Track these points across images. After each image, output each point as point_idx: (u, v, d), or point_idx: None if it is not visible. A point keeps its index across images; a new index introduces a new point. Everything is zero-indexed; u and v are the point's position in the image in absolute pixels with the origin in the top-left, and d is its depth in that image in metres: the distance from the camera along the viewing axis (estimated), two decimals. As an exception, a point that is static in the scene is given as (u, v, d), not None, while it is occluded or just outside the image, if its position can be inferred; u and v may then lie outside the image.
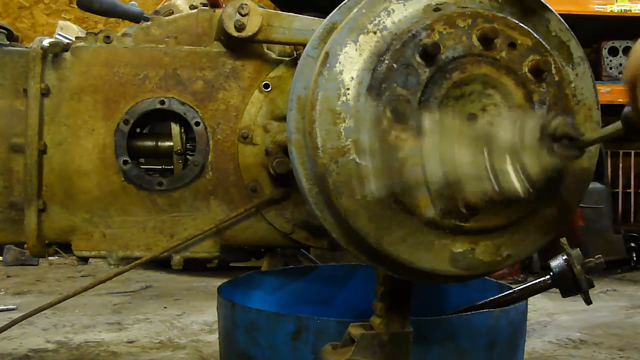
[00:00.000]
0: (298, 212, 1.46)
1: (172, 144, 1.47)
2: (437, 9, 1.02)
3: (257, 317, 1.55)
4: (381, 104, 0.97)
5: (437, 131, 0.97)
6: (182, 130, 1.48)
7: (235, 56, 1.47)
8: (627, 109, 0.89)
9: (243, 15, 1.40)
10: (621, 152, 4.84)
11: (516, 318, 1.60)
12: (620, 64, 4.25)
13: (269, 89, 1.47)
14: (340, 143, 0.99)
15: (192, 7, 1.91)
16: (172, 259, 1.46)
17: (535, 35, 1.03)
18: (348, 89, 0.99)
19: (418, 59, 0.98)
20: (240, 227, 1.47)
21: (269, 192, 1.46)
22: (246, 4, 1.40)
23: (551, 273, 1.69)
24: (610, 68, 4.27)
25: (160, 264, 3.78)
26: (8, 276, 3.81)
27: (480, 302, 1.74)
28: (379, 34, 1.00)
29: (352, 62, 1.00)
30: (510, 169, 0.95)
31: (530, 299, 1.75)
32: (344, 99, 0.99)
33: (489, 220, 1.02)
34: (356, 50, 1.00)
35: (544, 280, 1.72)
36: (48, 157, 1.44)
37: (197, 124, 1.44)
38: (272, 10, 1.44)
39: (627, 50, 4.27)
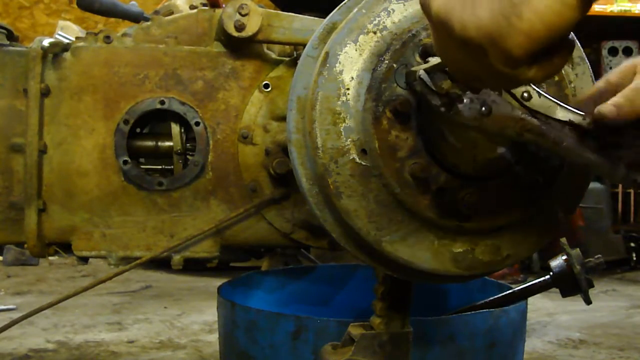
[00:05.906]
0: (298, 212, 1.46)
1: (172, 144, 1.47)
2: None
3: (257, 317, 1.55)
4: (381, 104, 0.97)
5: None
6: (182, 130, 1.48)
7: (235, 56, 1.47)
8: None
9: (243, 15, 1.40)
10: (621, 152, 4.83)
11: (516, 318, 1.60)
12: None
13: (269, 89, 1.47)
14: (340, 143, 0.99)
15: (192, 7, 1.91)
16: (172, 259, 1.46)
17: (535, 35, 1.03)
18: (348, 89, 0.99)
19: (418, 59, 0.98)
20: (240, 227, 1.47)
21: (269, 192, 1.46)
22: (246, 4, 1.40)
23: (551, 273, 1.69)
24: (610, 68, 4.26)
25: (160, 264, 3.77)
26: (8, 276, 3.81)
27: (480, 302, 1.74)
28: (378, 34, 1.00)
29: (352, 62, 1.00)
30: None
31: (530, 299, 1.75)
32: (344, 99, 0.99)
33: (489, 220, 1.02)
34: (356, 50, 1.00)
35: (544, 280, 1.72)
36: (48, 157, 1.44)
37: (197, 124, 1.44)
38: (272, 10, 1.44)
39: (627, 51, 4.27)
